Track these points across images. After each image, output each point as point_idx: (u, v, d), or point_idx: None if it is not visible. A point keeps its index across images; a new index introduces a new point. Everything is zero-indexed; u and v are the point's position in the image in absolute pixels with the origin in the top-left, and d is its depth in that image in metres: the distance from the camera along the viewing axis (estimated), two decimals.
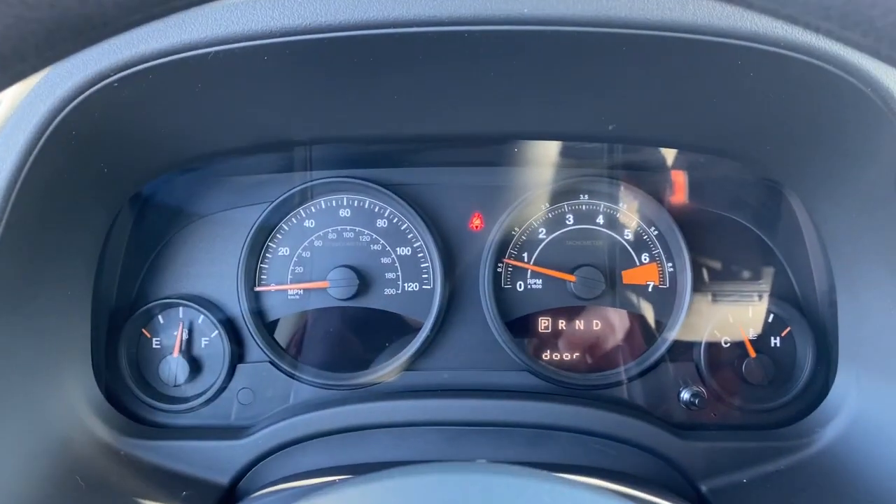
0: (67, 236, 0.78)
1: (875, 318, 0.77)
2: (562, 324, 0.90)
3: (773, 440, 0.82)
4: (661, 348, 0.87)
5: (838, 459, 0.79)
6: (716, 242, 0.90)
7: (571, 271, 0.89)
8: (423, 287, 0.91)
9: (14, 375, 0.73)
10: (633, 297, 0.90)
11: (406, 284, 0.91)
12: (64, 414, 0.80)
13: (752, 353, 0.86)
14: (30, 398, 0.76)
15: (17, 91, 0.68)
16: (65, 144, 0.69)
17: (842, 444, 0.80)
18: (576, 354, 0.89)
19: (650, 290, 0.90)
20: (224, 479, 0.83)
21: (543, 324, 0.91)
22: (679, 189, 0.89)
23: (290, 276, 0.91)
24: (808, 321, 0.87)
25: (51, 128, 0.67)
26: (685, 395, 0.85)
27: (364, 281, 0.90)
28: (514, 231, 0.91)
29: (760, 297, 0.88)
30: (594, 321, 0.90)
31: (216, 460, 0.84)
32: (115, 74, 0.62)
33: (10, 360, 0.72)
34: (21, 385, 0.74)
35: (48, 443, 0.77)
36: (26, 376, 0.75)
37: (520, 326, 0.90)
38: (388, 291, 0.91)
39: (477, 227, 0.91)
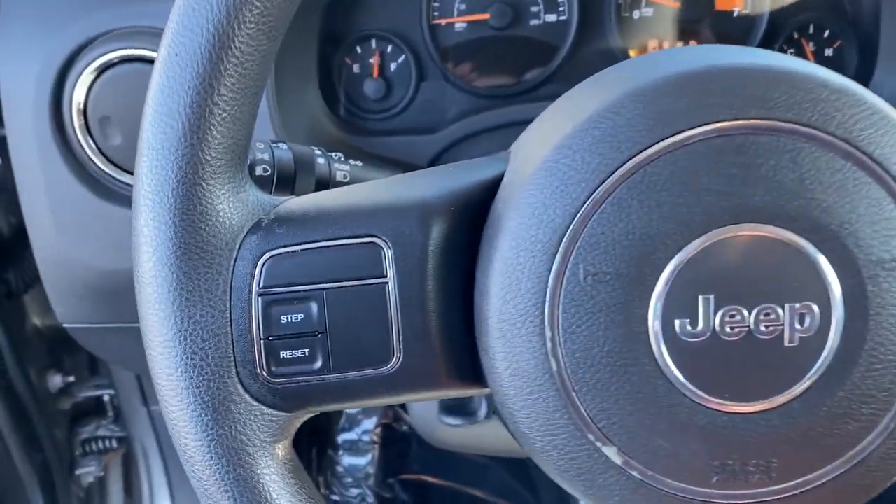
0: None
1: None
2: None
3: None
4: None
5: None
6: None
7: None
8: (560, 18, 1.17)
9: (286, 92, 1.04)
10: None
11: (546, 16, 1.17)
12: (311, 113, 1.12)
13: (811, 58, 1.15)
14: (294, 101, 1.08)
15: None
16: None
17: None
18: None
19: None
20: (422, 162, 1.16)
21: (653, 44, 1.18)
22: None
23: (455, 12, 1.17)
24: (855, 32, 1.15)
25: None
26: None
27: (515, 12, 1.16)
28: None
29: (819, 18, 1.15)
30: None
31: (415, 149, 1.16)
32: None
33: (286, 77, 1.03)
34: (292, 90, 1.06)
35: (308, 132, 1.09)
36: (290, 90, 1.07)
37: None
38: (533, 22, 1.17)
39: None
